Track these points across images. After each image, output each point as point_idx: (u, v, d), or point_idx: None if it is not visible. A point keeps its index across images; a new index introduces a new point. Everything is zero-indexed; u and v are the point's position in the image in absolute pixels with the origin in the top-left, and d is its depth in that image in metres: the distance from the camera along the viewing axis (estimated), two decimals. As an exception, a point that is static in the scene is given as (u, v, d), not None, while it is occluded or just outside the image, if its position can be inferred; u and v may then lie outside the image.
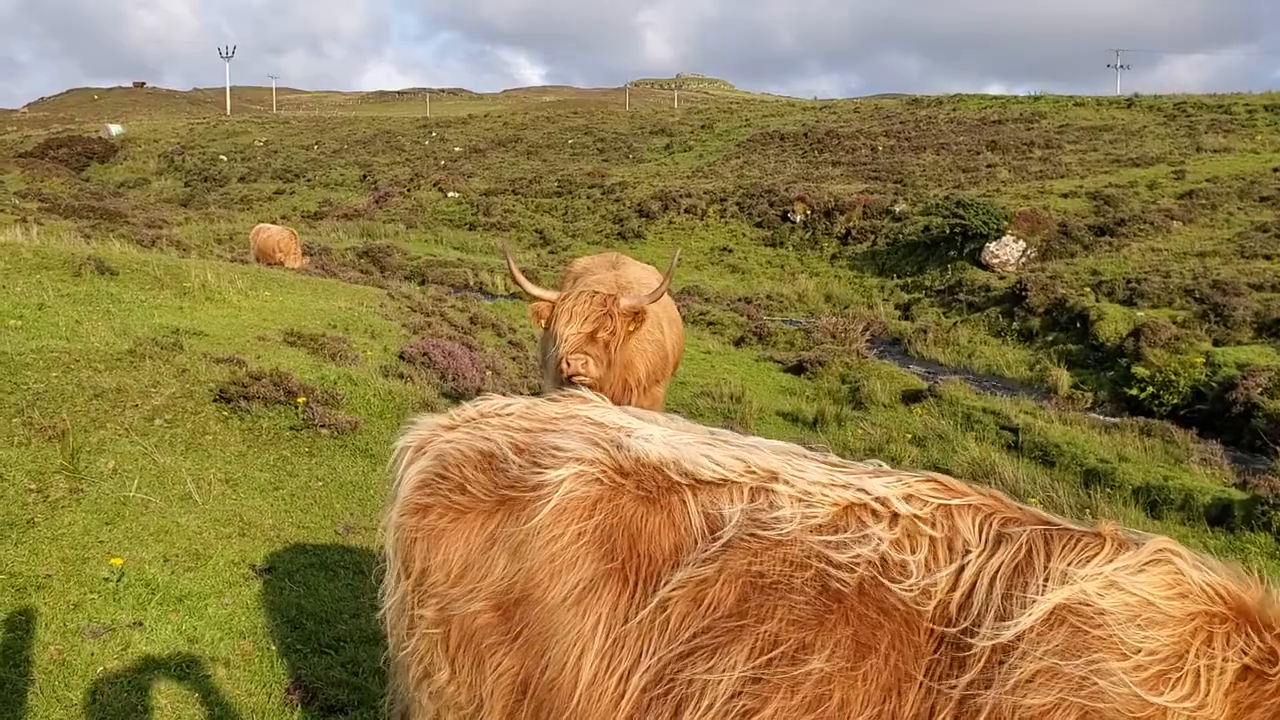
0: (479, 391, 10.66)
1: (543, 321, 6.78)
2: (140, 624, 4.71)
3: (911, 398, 13.84)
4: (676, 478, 2.42)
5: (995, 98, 54.93)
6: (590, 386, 6.33)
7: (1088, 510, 8.73)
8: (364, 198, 46.14)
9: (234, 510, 6.19)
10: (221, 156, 61.31)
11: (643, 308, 6.79)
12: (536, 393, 10.16)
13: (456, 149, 58.60)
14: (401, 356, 11.45)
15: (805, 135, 49.21)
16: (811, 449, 2.59)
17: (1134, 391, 15.82)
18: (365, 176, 51.33)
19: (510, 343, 15.56)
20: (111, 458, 6.50)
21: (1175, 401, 15.26)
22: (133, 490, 6.07)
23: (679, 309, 9.87)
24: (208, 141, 66.97)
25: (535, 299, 6.88)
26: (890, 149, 44.39)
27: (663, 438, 2.54)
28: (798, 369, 15.84)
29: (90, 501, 5.86)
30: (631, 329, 6.73)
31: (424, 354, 11.49)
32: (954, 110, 51.47)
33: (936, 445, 11.12)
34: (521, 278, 7.12)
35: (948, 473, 9.10)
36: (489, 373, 11.91)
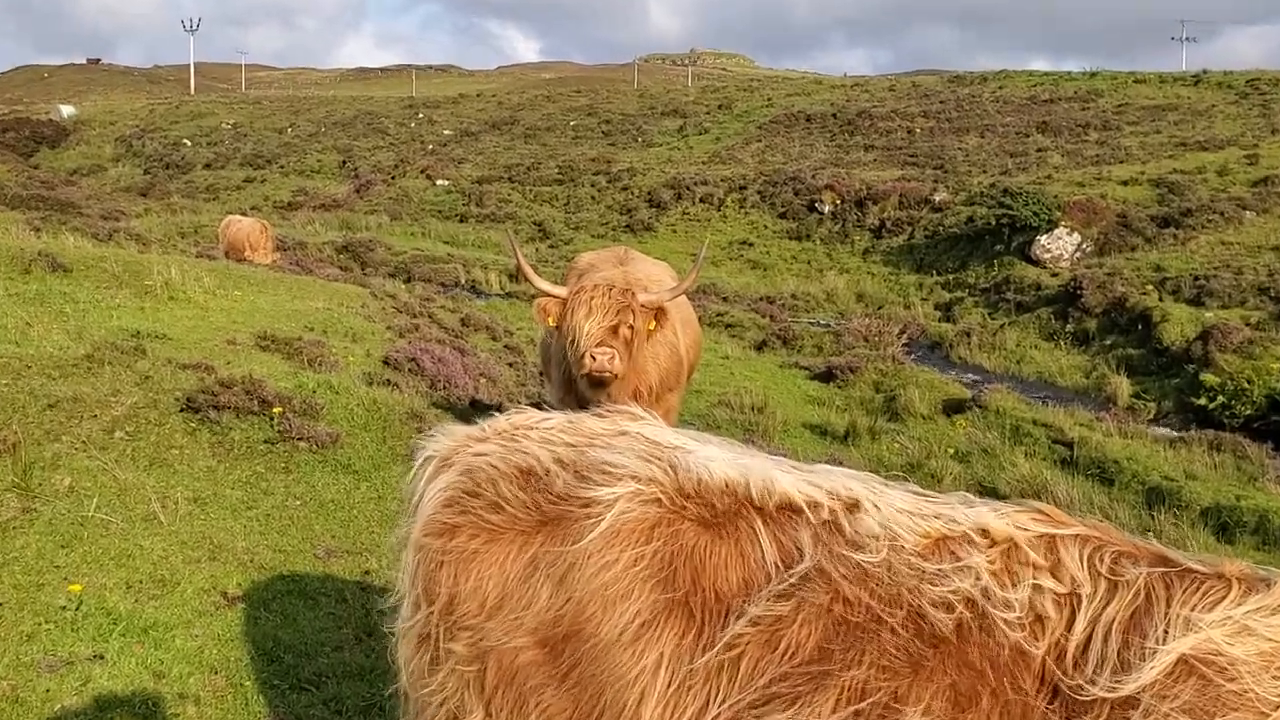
0: (473, 401, 10.70)
1: (550, 319, 6.84)
2: (101, 657, 4.75)
3: (953, 408, 13.84)
4: (745, 502, 2.39)
5: (1046, 74, 54.91)
6: (606, 383, 6.40)
7: (1151, 533, 8.73)
8: (343, 186, 46.30)
9: (203, 532, 6.24)
10: (185, 140, 61.60)
11: (664, 304, 6.85)
12: (538, 403, 10.20)
13: (446, 132, 58.79)
14: (386, 362, 11.51)
15: (834, 116, 49.25)
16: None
17: (1202, 401, 15.79)
18: (345, 163, 51.52)
19: (506, 347, 15.60)
20: (68, 474, 6.56)
21: (1248, 412, 15.22)
22: (91, 510, 6.13)
23: (693, 309, 9.91)
24: (169, 124, 67.30)
25: (542, 294, 6.94)
26: (929, 131, 44.40)
27: (727, 459, 2.52)
28: (826, 376, 15.85)
29: (45, 522, 5.91)
30: (652, 327, 6.80)
31: (411, 359, 11.55)
32: (1000, 88, 51.46)
33: (981, 461, 11.13)
34: (528, 269, 7.18)
35: (995, 493, 8.98)
36: (483, 380, 11.95)
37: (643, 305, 6.72)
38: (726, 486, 2.43)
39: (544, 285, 7.03)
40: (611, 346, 6.47)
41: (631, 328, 6.61)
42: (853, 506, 2.35)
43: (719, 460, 2.51)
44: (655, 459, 2.55)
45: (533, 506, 2.57)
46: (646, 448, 2.62)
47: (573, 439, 2.73)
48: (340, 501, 7.13)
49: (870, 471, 2.63)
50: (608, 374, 6.47)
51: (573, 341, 6.58)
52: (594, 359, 6.44)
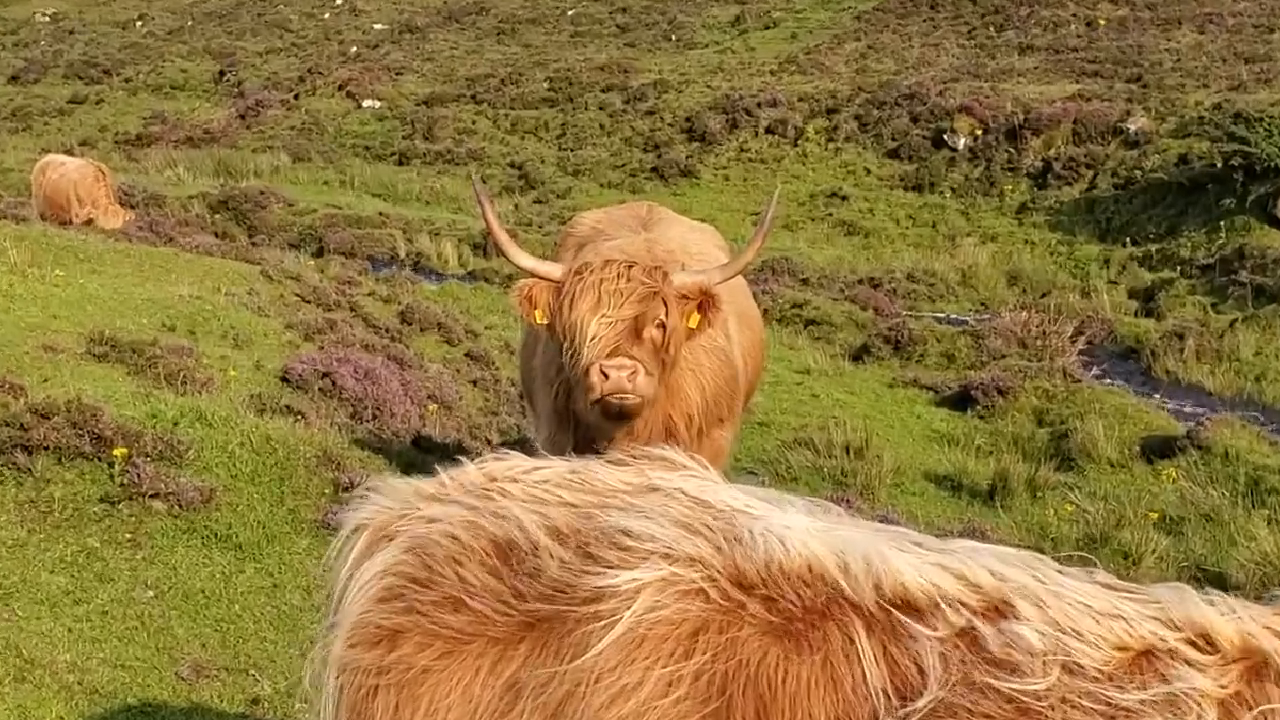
0: (417, 438, 10.71)
1: (537, 313, 6.82)
2: None
3: (1158, 450, 13.75)
4: (839, 597, 2.40)
5: (1301, -66, 54.53)
6: (626, 414, 6.39)
7: None
8: (221, 110, 46.48)
9: (8, 638, 6.25)
10: (-20, 41, 62.04)
11: (712, 288, 6.83)
12: (515, 443, 10.21)
13: (377, 26, 58.97)
14: (286, 379, 11.55)
15: (973, 0, 49.13)
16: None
17: None
18: (224, 74, 51.72)
19: (469, 356, 15.63)
20: None
21: None
22: None
23: (757, 295, 9.89)
24: (-44, 16, 67.77)
25: (526, 273, 6.94)
26: (1119, 23, 44.21)
27: (812, 529, 2.53)
28: (961, 401, 15.78)
29: None
30: (694, 325, 6.77)
31: (324, 375, 11.59)
32: (1230, -44, 51.22)
33: (1201, 531, 11.05)
34: (504, 237, 7.18)
35: (1222, 581, 8.94)
36: (433, 406, 11.98)
37: (680, 292, 6.70)
38: (810, 571, 2.43)
39: (527, 261, 7.02)
40: (633, 357, 6.44)
41: (663, 326, 6.58)
42: (1004, 605, 2.35)
43: (799, 532, 2.51)
44: (702, 529, 2.55)
45: (514, 601, 2.58)
46: (688, 512, 2.62)
47: (576, 498, 2.74)
48: (215, 593, 7.14)
49: (1031, 550, 2.62)
50: (628, 399, 6.44)
51: (573, 349, 6.55)
52: (605, 376, 6.40)
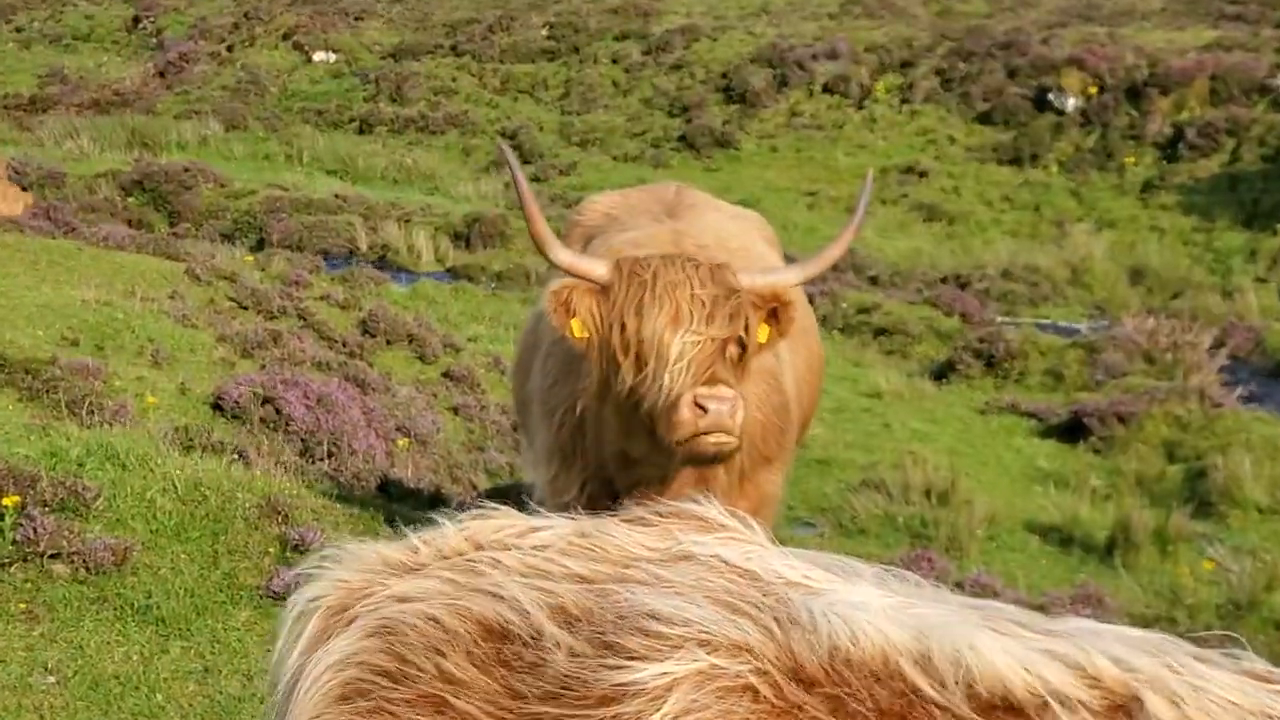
0: (383, 483, 10.71)
1: (574, 322, 6.72)
2: None
3: (1321, 493, 13.75)
4: (925, 693, 2.35)
5: None
6: (723, 456, 6.36)
7: None
8: (136, 65, 46.52)
9: None
10: None
11: (783, 293, 6.85)
12: (507, 488, 10.21)
13: (332, -41, 59.09)
14: (219, 407, 11.56)
15: (1084, -77, 49.12)
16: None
17: None
18: (139, 21, 51.77)
19: (448, 375, 15.62)
20: None
21: None
22: None
23: (812, 297, 9.88)
24: None
25: (568, 271, 6.90)
26: (1269, -49, 44.15)
27: (886, 608, 2.49)
28: (1072, 431, 15.76)
29: None
30: (763, 339, 6.75)
31: (266, 401, 11.61)
32: None
33: (1378, 599, 11.05)
34: (541, 223, 6.94)
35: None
36: (402, 441, 11.98)
37: (755, 293, 6.70)
38: (886, 664, 2.40)
39: (566, 256, 6.99)
40: (731, 385, 6.38)
41: (742, 343, 6.60)
42: (1131, 703, 2.32)
43: (872, 612, 2.48)
44: (748, 608, 2.53)
45: (511, 701, 2.55)
46: (731, 586, 2.61)
47: (587, 570, 2.72)
48: (132, 678, 7.12)
49: (1160, 619, 2.62)
50: (726, 442, 6.40)
51: (646, 375, 6.47)
52: (704, 410, 6.28)
